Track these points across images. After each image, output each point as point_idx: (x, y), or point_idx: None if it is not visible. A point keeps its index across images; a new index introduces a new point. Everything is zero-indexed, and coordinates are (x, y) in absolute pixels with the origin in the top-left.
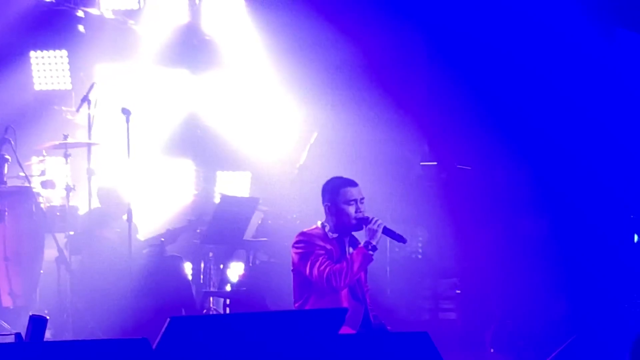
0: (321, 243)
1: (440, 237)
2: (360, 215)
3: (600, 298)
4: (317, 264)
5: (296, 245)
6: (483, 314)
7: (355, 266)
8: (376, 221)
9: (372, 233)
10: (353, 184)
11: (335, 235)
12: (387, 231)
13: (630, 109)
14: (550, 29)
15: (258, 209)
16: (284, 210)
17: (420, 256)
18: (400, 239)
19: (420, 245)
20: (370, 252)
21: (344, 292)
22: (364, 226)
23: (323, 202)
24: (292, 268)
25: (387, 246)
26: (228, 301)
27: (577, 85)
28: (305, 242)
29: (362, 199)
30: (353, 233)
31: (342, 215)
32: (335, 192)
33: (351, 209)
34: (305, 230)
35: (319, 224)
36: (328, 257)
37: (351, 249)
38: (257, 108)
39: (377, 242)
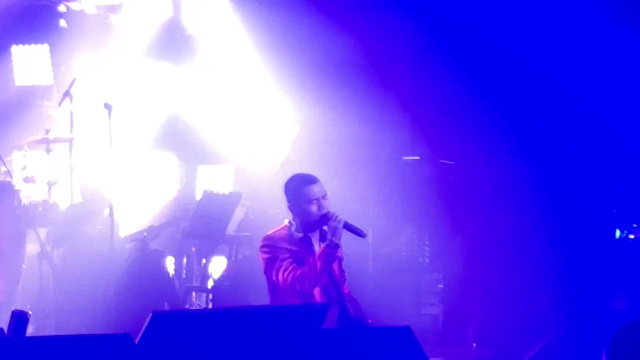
0: (286, 245)
1: (423, 232)
2: (322, 212)
3: (583, 293)
4: (282, 270)
5: (262, 250)
6: (466, 308)
7: (319, 267)
8: (336, 217)
9: (333, 230)
10: (313, 181)
11: (300, 234)
12: (347, 226)
13: (614, 105)
14: (537, 23)
15: (240, 204)
16: (267, 205)
17: (402, 251)
18: (360, 233)
19: (403, 240)
20: (333, 251)
21: (317, 293)
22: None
23: (287, 202)
24: (263, 271)
25: (370, 241)
26: (211, 296)
27: (561, 81)
28: (269, 247)
29: (324, 195)
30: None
31: (305, 214)
32: (296, 191)
33: (313, 208)
34: (269, 233)
35: (286, 222)
36: (293, 259)
37: (321, 244)
38: (240, 103)
39: (339, 239)
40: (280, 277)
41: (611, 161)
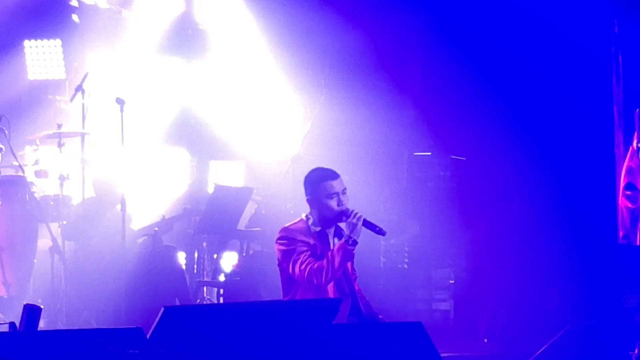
0: (303, 238)
1: (434, 228)
2: (342, 207)
3: (594, 289)
4: (299, 262)
5: (279, 241)
6: (477, 304)
7: (336, 262)
8: (355, 214)
9: (352, 227)
10: (334, 176)
11: (318, 228)
12: (366, 224)
13: (622, 103)
14: (549, 19)
15: (252, 199)
16: (278, 200)
17: (414, 246)
18: (379, 231)
19: (413, 235)
20: (351, 247)
21: (330, 286)
22: (344, 219)
23: (305, 196)
24: (277, 263)
25: (380, 236)
26: (222, 291)
27: (569, 77)
28: (287, 239)
29: (344, 190)
30: (338, 224)
31: (324, 208)
32: (316, 185)
33: (333, 203)
34: (287, 225)
35: (303, 216)
36: (311, 252)
37: (336, 240)
38: (251, 99)
39: (358, 236)
40: (297, 269)
41: (620, 160)
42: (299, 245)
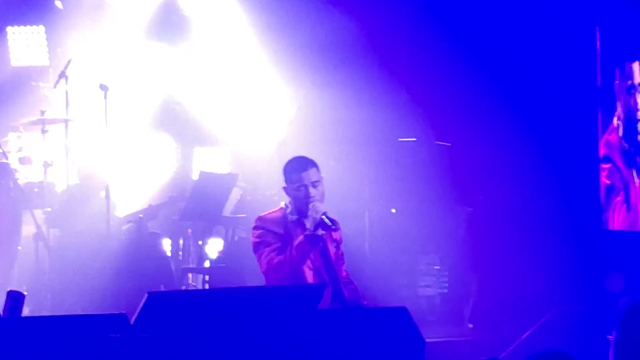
0: (276, 229)
1: (419, 214)
2: (306, 200)
3: (578, 275)
4: (263, 255)
5: (253, 230)
6: (461, 289)
7: (295, 256)
8: (314, 207)
9: (312, 220)
10: (304, 168)
11: (294, 217)
12: (322, 218)
13: (609, 96)
14: (527, 6)
15: (237, 185)
16: (263, 186)
17: (399, 233)
18: (327, 227)
19: (399, 221)
20: (310, 240)
21: (309, 275)
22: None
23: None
24: None
25: (366, 223)
26: (207, 277)
27: (558, 68)
28: (260, 229)
29: (315, 182)
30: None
31: (294, 199)
32: (288, 175)
33: (300, 194)
34: (263, 214)
35: (282, 204)
36: (281, 244)
37: (320, 230)
38: (236, 84)
39: (316, 229)
40: (261, 261)
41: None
42: (268, 237)
